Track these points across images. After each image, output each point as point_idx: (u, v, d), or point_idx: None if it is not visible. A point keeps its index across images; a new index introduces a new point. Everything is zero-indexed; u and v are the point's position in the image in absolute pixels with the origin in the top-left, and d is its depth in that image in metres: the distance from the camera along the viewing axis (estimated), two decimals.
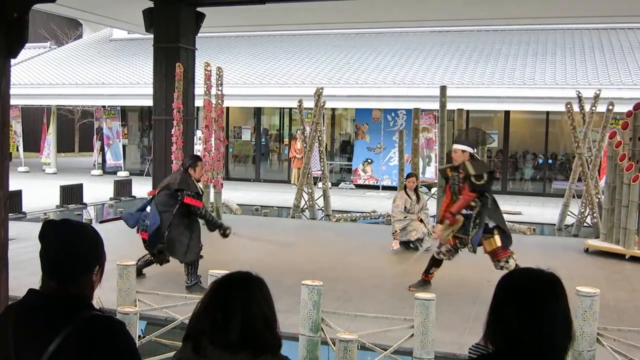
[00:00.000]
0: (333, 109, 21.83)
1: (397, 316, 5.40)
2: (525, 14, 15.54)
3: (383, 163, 20.01)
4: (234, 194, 13.91)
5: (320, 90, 13.57)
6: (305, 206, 13.83)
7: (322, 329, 4.96)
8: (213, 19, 13.56)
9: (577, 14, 14.94)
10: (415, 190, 10.10)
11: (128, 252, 8.25)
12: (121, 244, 9.46)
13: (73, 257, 1.97)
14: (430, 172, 18.69)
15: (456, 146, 6.98)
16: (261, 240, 9.80)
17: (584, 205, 12.00)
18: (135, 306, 5.30)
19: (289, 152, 21.53)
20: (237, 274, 1.98)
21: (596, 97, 12.05)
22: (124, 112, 23.48)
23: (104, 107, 22.76)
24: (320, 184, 14.54)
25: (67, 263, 1.97)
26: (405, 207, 9.85)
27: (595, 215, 11.65)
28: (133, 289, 5.51)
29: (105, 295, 5.69)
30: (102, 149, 23.30)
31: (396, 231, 9.70)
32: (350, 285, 7.52)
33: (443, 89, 12.59)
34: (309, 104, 14.34)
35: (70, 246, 1.98)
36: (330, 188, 14.72)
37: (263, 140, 23.04)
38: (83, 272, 2.00)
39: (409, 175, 10.24)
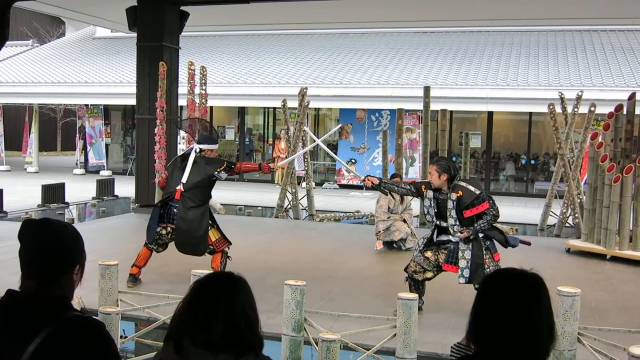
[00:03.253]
0: (317, 109, 21.82)
1: (380, 316, 5.41)
2: (509, 15, 15.66)
3: (367, 163, 20.04)
4: (218, 194, 13.83)
5: (305, 90, 13.56)
6: (289, 206, 13.82)
7: (305, 328, 4.95)
8: (197, 17, 13.52)
9: (560, 15, 15.08)
10: None
11: (109, 252, 8.21)
12: (102, 244, 9.40)
13: (52, 256, 1.94)
14: (413, 173, 18.74)
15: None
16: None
17: (565, 205, 12.09)
18: (117, 306, 5.27)
19: (272, 151, 21.49)
20: (219, 273, 1.97)
21: (578, 99, 12.14)
22: (107, 111, 23.30)
23: (86, 105, 22.57)
24: (304, 184, 14.52)
25: (46, 263, 1.94)
26: (389, 208, 9.88)
27: (576, 215, 11.75)
28: (115, 289, 5.48)
29: (87, 295, 5.65)
30: (84, 148, 23.11)
31: (379, 231, 9.72)
32: (333, 285, 7.51)
33: (427, 89, 12.65)
34: (293, 103, 14.34)
35: (50, 245, 1.95)
36: (314, 188, 14.71)
37: (247, 139, 22.98)
38: (63, 272, 1.97)
39: (393, 176, 10.27)
